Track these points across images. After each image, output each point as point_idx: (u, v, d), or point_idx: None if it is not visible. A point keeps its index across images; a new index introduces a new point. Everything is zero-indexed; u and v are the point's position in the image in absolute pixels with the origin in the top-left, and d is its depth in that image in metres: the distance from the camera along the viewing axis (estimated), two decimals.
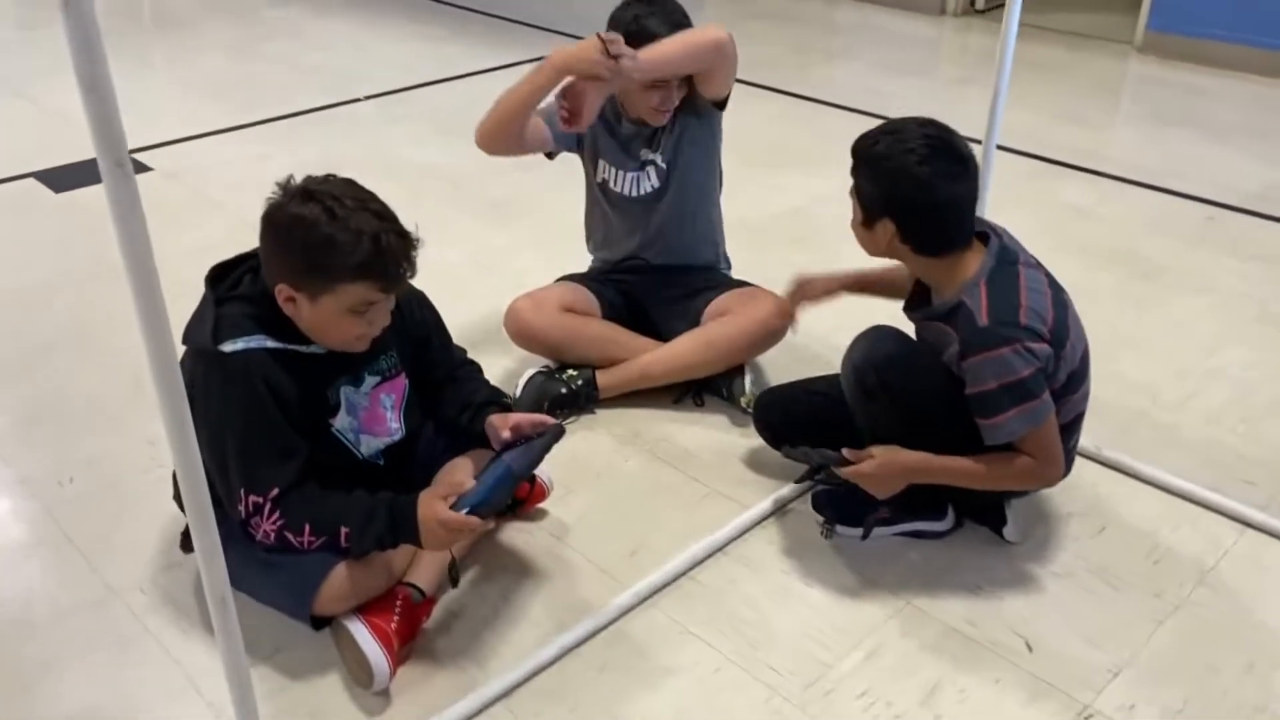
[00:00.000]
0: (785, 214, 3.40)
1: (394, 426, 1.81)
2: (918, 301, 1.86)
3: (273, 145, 3.96)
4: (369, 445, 1.78)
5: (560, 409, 2.30)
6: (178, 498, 1.84)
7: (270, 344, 1.62)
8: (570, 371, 2.34)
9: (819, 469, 1.97)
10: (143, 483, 2.13)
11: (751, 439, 2.25)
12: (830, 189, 3.71)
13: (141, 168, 3.68)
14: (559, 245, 3.13)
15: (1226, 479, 2.14)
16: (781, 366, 2.40)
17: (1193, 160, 3.84)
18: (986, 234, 1.81)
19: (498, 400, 1.88)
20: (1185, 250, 3.14)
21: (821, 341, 2.57)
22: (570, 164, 3.84)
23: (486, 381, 1.95)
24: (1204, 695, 1.66)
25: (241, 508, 1.61)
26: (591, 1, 5.85)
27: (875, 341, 1.82)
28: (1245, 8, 4.76)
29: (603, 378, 2.33)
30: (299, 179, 1.64)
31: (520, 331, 2.35)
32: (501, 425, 1.77)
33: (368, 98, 4.46)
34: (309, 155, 3.83)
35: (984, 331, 1.69)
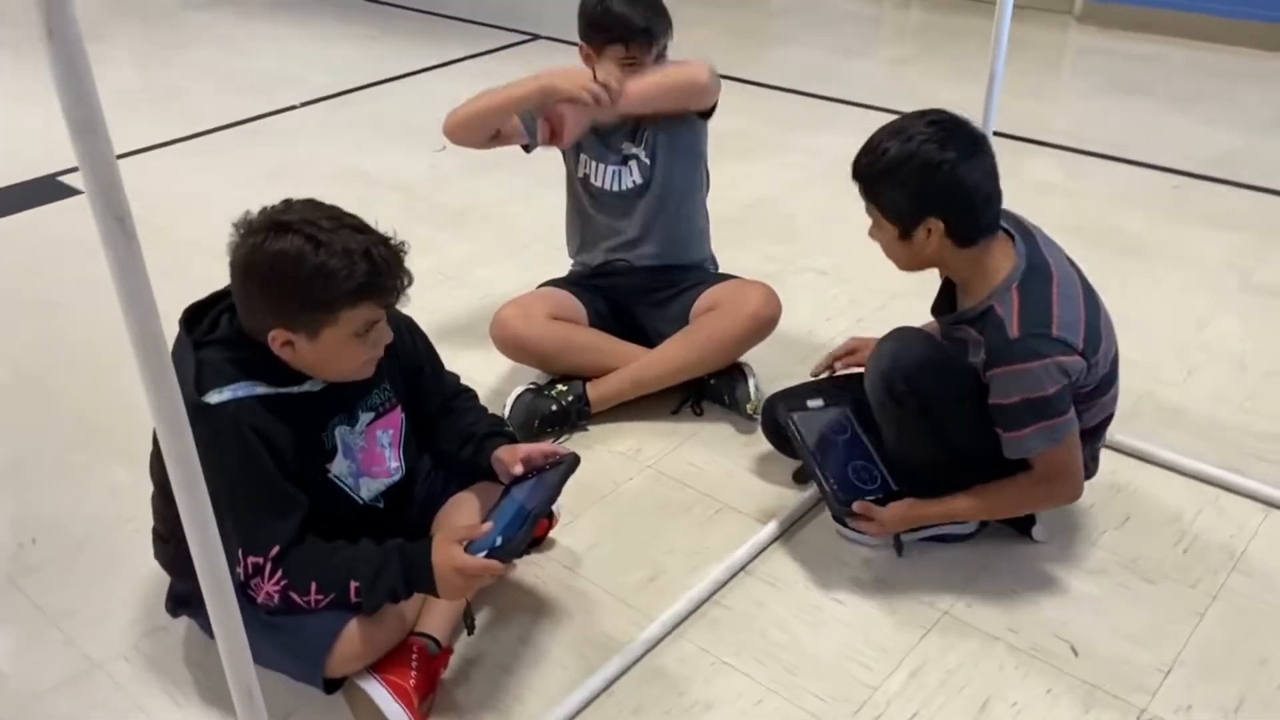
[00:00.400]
0: (757, 204, 3.32)
1: (394, 465, 1.68)
2: (944, 304, 1.78)
3: (207, 159, 3.77)
4: (369, 488, 1.65)
5: (552, 426, 2.18)
6: (161, 557, 1.70)
7: (260, 390, 1.48)
8: (560, 386, 2.22)
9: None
10: (112, 539, 1.97)
11: (757, 447, 2.16)
12: (797, 176, 3.68)
13: (69, 191, 3.46)
14: (525, 253, 3.03)
15: (1241, 458, 2.10)
16: (776, 367, 2.31)
17: (1150, 129, 3.84)
18: (1013, 230, 1.73)
19: (501, 431, 1.76)
20: (1159, 222, 3.13)
21: (817, 341, 2.49)
22: (529, 170, 3.71)
23: (485, 411, 1.83)
24: (1259, 690, 1.61)
25: (240, 570, 1.47)
26: None
27: (903, 346, 1.73)
28: None
29: (594, 390, 2.22)
30: (255, 213, 1.49)
31: (509, 342, 2.23)
32: (510, 459, 1.65)
33: (303, 104, 4.26)
34: (247, 169, 3.65)
35: (1014, 344, 1.61)
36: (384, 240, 1.50)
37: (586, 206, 2.32)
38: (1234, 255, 2.92)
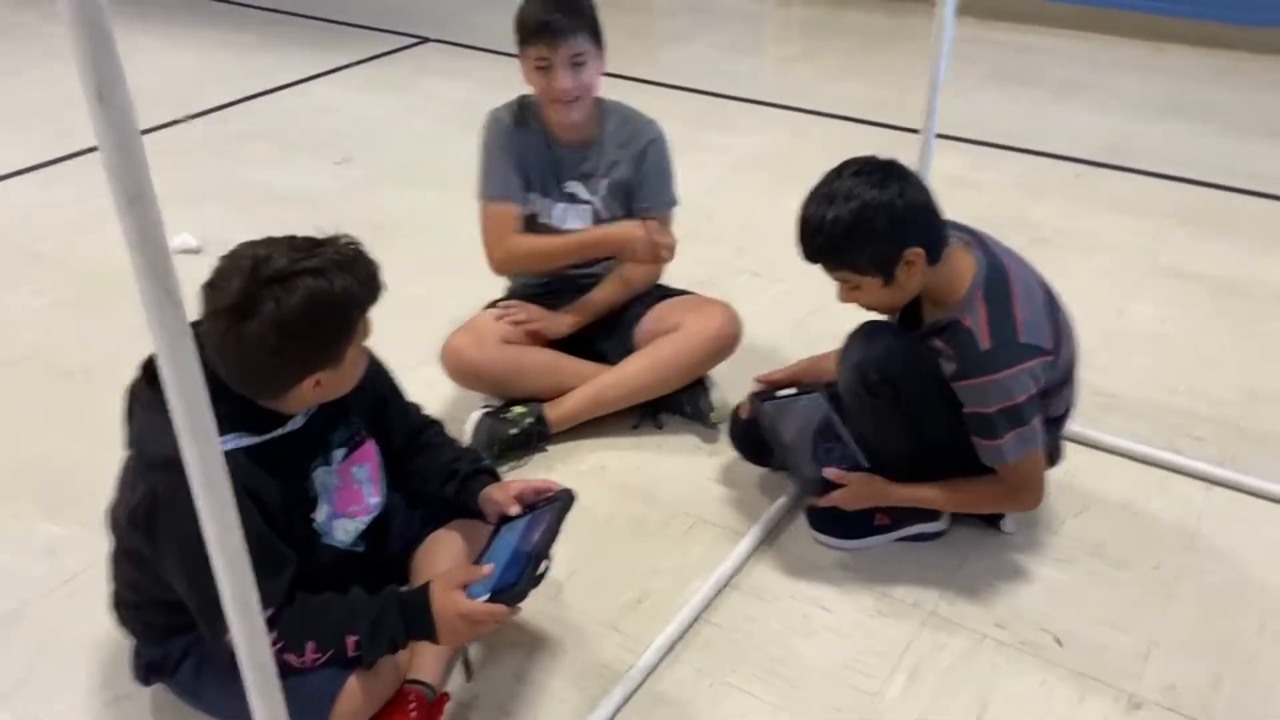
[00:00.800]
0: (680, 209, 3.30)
1: (373, 501, 1.61)
2: (908, 320, 1.80)
3: (89, 183, 3.53)
4: (345, 530, 1.57)
5: (511, 450, 2.13)
6: (129, 624, 1.59)
7: (247, 441, 1.40)
8: (517, 409, 2.17)
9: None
10: (52, 604, 1.83)
11: (723, 456, 2.15)
12: (710, 176, 3.68)
13: None
14: (450, 267, 2.94)
15: (1178, 438, 2.20)
16: (728, 376, 2.30)
17: (1043, 119, 3.98)
18: (964, 235, 1.77)
19: (485, 469, 1.70)
20: (1067, 210, 3.24)
21: (766, 346, 2.50)
22: (439, 180, 3.65)
23: (459, 445, 1.76)
24: (1234, 665, 1.68)
25: (230, 639, 1.38)
26: None
27: (872, 338, 1.76)
28: None
29: (553, 411, 2.18)
30: (224, 277, 1.37)
31: (461, 370, 2.16)
32: (504, 499, 1.59)
33: (189, 118, 4.06)
34: None
35: (986, 355, 1.64)
36: (353, 242, 1.45)
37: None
38: (1139, 238, 3.05)
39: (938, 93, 2.12)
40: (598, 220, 2.21)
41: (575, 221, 2.20)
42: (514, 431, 2.13)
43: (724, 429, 2.19)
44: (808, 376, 1.98)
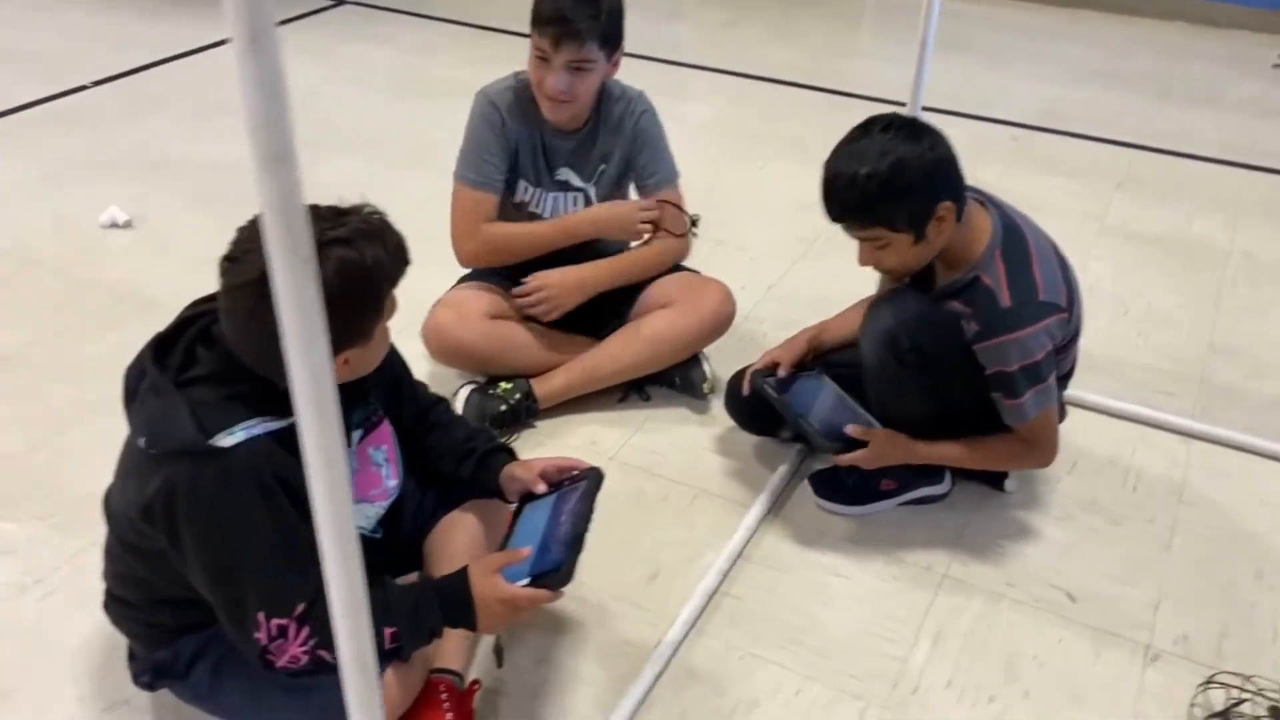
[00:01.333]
0: None
1: (391, 484, 1.53)
2: (922, 283, 1.79)
3: None
4: (366, 516, 1.49)
5: (501, 427, 2.06)
6: (127, 626, 1.48)
7: (274, 425, 1.30)
8: (504, 384, 2.10)
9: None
10: (24, 609, 1.70)
11: (714, 427, 2.13)
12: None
13: None
14: (416, 239, 2.82)
15: (1149, 394, 2.26)
16: (719, 346, 2.26)
17: (976, 84, 4.03)
18: (979, 195, 1.77)
19: (503, 446, 1.63)
20: (1010, 173, 3.30)
21: (748, 317, 2.47)
22: (383, 149, 3.52)
23: (469, 423, 1.69)
24: (1237, 611, 1.73)
25: (260, 635, 1.29)
26: None
27: (900, 305, 1.74)
28: None
29: (541, 387, 2.11)
30: (245, 249, 1.27)
31: (445, 348, 2.08)
32: (529, 477, 1.53)
33: (95, 84, 3.81)
34: (51, 161, 3.21)
35: (1007, 313, 1.65)
36: (373, 210, 1.37)
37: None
38: (1084, 203, 3.12)
39: (926, 67, 2.12)
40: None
41: (568, 210, 2.13)
42: (503, 408, 2.06)
43: (713, 400, 2.16)
44: (807, 352, 1.95)
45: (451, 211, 2.09)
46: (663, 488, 1.98)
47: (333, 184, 3.33)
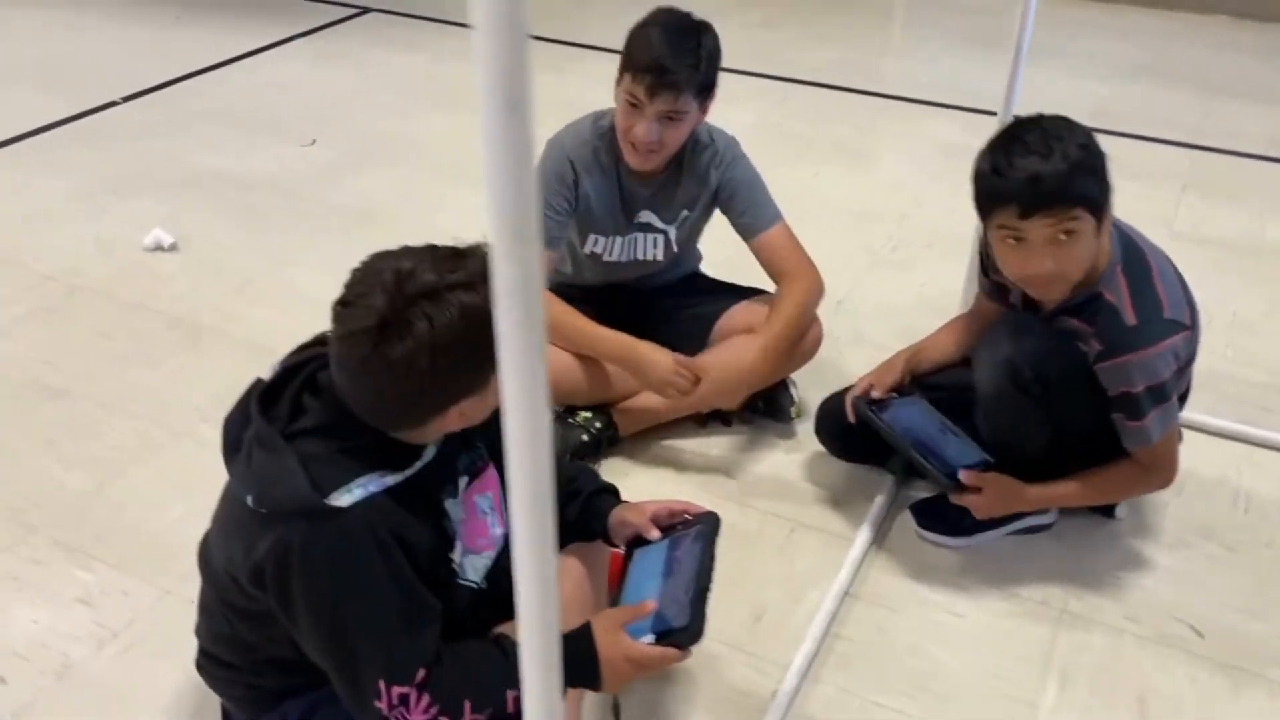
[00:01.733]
0: None
1: (496, 533, 1.44)
2: (1032, 300, 1.70)
3: (27, 171, 3.20)
4: (475, 568, 1.41)
5: (582, 457, 1.98)
6: (230, 691, 1.40)
7: (388, 480, 1.22)
8: (584, 413, 2.02)
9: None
10: (104, 664, 1.62)
11: (801, 453, 2.05)
12: None
13: None
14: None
15: (1247, 410, 2.18)
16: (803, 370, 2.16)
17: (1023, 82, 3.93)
18: None
19: (608, 487, 1.55)
20: None
21: (833, 341, 2.38)
22: (416, 158, 3.42)
23: (567, 461, 1.61)
24: None
25: (381, 704, 1.21)
26: None
27: (1021, 334, 1.65)
28: None
29: (623, 417, 2.03)
30: (350, 295, 1.19)
31: None
32: (641, 523, 1.45)
33: (125, 100, 3.72)
34: (85, 179, 3.13)
35: (1133, 332, 1.57)
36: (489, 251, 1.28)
37: (585, 269, 2.11)
38: (1149, 205, 3.03)
39: (1019, 75, 2.03)
40: (669, 250, 2.06)
41: (646, 251, 2.05)
42: (585, 438, 1.98)
43: (798, 424, 2.08)
44: (905, 376, 1.87)
45: None
46: (757, 520, 1.90)
47: (387, 197, 3.27)
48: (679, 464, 2.03)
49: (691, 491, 1.95)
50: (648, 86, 1.80)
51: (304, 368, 1.30)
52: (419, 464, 1.28)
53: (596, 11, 4.54)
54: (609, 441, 2.02)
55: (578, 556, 1.55)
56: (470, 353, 1.20)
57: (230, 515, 1.30)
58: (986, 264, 1.82)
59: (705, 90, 1.86)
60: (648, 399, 2.03)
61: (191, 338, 2.37)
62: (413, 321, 1.16)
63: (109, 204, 2.98)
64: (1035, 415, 1.65)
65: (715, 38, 1.88)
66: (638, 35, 1.84)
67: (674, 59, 1.79)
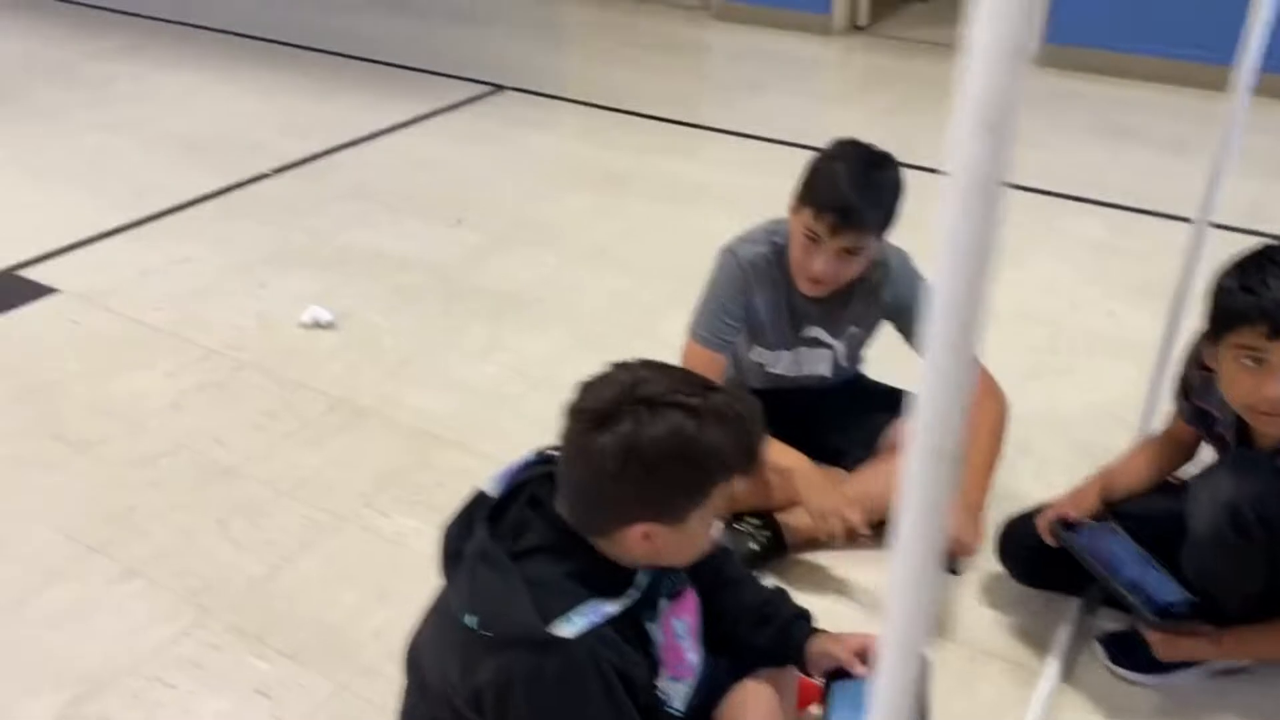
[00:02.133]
0: None
1: (693, 660, 1.41)
2: (1249, 438, 1.64)
3: (187, 244, 3.29)
4: (679, 695, 1.38)
5: (750, 567, 1.93)
6: None
7: (610, 609, 1.20)
8: (751, 519, 1.99)
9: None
10: None
11: (978, 571, 1.98)
12: None
13: (43, 290, 2.98)
14: (610, 342, 2.75)
15: None
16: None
17: (1164, 178, 3.86)
18: None
19: (803, 613, 1.51)
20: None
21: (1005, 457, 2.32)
22: (555, 243, 3.42)
23: (757, 580, 1.58)
24: None
25: None
26: (467, 40, 5.33)
27: (1245, 472, 1.58)
28: (1140, 11, 4.89)
29: (790, 532, 1.99)
30: (585, 388, 1.23)
31: None
32: (844, 655, 1.41)
33: (274, 172, 3.84)
34: (243, 255, 3.22)
35: None
36: (739, 397, 1.27)
37: (751, 375, 2.10)
38: None
39: (1219, 181, 1.96)
40: (836, 367, 2.06)
41: (812, 366, 2.05)
42: (754, 547, 1.95)
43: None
44: (1099, 502, 1.81)
45: (682, 364, 2.00)
46: (934, 644, 1.83)
47: (532, 280, 3.29)
48: (848, 578, 1.98)
49: (864, 610, 1.90)
50: (830, 225, 1.79)
51: (527, 485, 1.29)
52: (636, 593, 1.26)
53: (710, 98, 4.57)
54: (778, 551, 1.98)
55: (769, 682, 1.51)
56: (664, 474, 1.19)
57: (447, 630, 1.29)
58: (1189, 387, 1.76)
59: (885, 226, 1.86)
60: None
61: (353, 420, 2.41)
62: (621, 419, 1.16)
63: (266, 278, 3.06)
64: (1252, 560, 1.57)
65: (898, 173, 1.86)
66: (822, 170, 1.84)
67: (861, 200, 1.78)
